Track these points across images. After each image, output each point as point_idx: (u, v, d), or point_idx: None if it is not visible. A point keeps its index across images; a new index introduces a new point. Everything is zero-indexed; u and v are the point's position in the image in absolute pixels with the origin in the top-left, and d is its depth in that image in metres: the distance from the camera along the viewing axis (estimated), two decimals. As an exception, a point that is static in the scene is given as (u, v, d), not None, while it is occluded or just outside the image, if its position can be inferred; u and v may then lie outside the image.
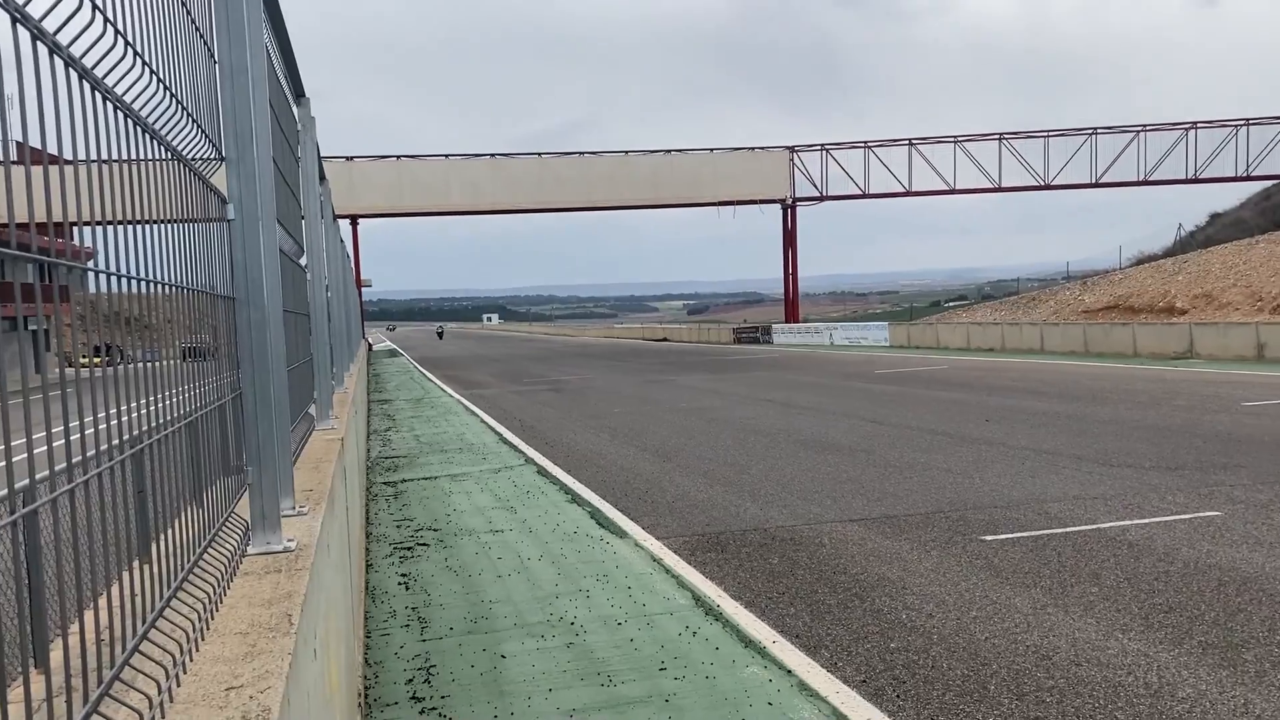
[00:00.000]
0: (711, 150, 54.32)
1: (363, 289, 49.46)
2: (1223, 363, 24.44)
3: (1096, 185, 53.25)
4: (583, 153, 53.57)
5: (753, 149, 54.40)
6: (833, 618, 6.05)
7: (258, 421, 2.65)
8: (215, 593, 2.03)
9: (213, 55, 2.49)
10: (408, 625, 6.15)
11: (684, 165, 53.74)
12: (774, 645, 5.49)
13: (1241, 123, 51.36)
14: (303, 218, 5.58)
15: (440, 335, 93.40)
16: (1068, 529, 7.93)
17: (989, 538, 7.77)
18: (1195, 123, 51.68)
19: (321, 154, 7.29)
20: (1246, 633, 5.45)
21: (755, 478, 10.90)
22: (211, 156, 2.45)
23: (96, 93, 1.39)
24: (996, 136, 52.96)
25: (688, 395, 21.79)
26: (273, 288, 2.74)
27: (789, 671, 5.08)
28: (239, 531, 2.52)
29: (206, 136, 2.33)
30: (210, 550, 2.15)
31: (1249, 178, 51.58)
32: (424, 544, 8.33)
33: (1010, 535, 7.82)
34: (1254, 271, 35.36)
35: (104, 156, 1.41)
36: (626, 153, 53.96)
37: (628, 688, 4.93)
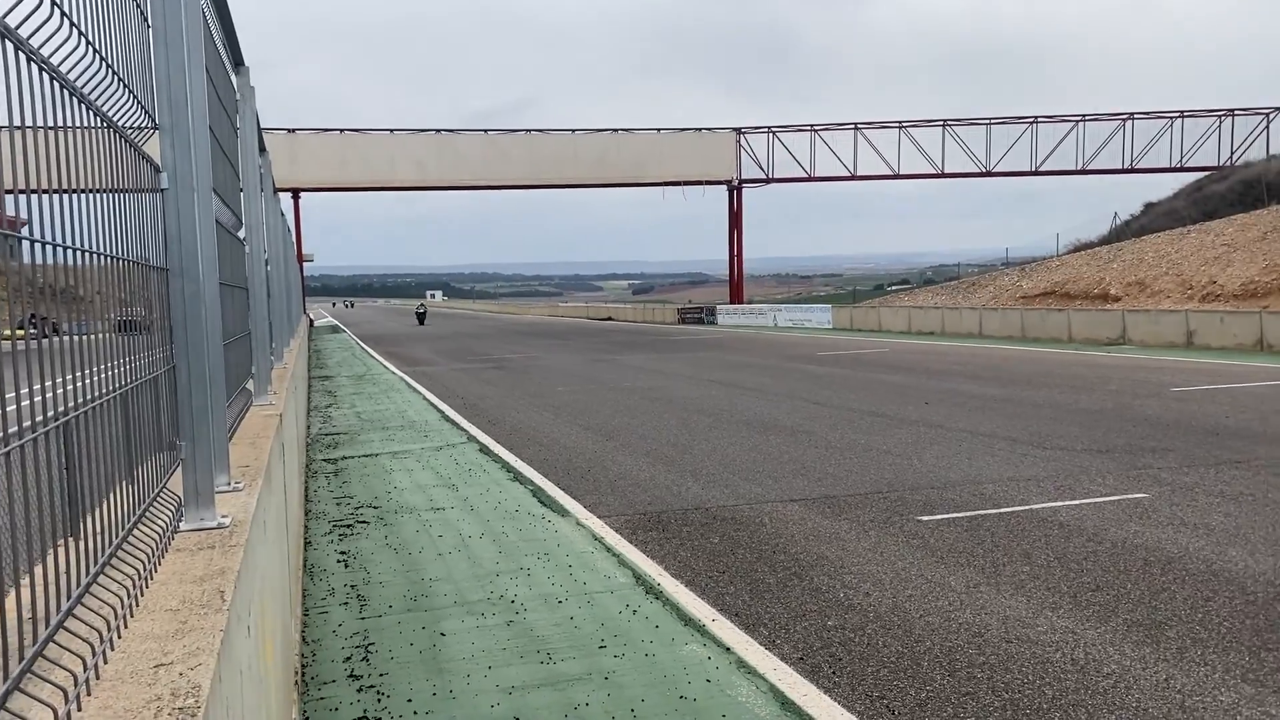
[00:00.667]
0: (659, 131, 54.26)
1: (304, 263, 48.72)
2: (1154, 349, 25.07)
3: (1036, 173, 54.20)
4: (530, 130, 53.22)
5: (699, 130, 54.43)
6: (772, 596, 6.12)
7: (191, 396, 2.60)
8: (145, 569, 2.00)
9: (146, 19, 2.43)
10: (346, 603, 6.10)
11: (631, 145, 53.60)
12: (713, 623, 5.54)
13: (1176, 115, 52.57)
14: (241, 190, 5.48)
15: (421, 318, 63.51)
16: (1001, 509, 8.10)
17: (925, 518, 7.91)
18: (1132, 114, 52.78)
19: (262, 125, 7.14)
20: (1169, 611, 5.62)
21: (698, 457, 10.96)
22: (145, 124, 2.38)
23: (20, 54, 1.35)
24: (940, 123, 53.61)
25: (632, 375, 21.82)
26: (208, 260, 2.69)
27: (728, 649, 5.13)
28: (171, 508, 2.47)
29: (139, 103, 2.27)
30: (141, 526, 2.11)
31: (1182, 169, 52.90)
32: (364, 521, 8.26)
33: (946, 515, 7.96)
34: (1185, 261, 36.28)
35: (29, 122, 1.37)
36: (574, 131, 53.70)
37: (567, 665, 4.95)
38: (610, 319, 65.27)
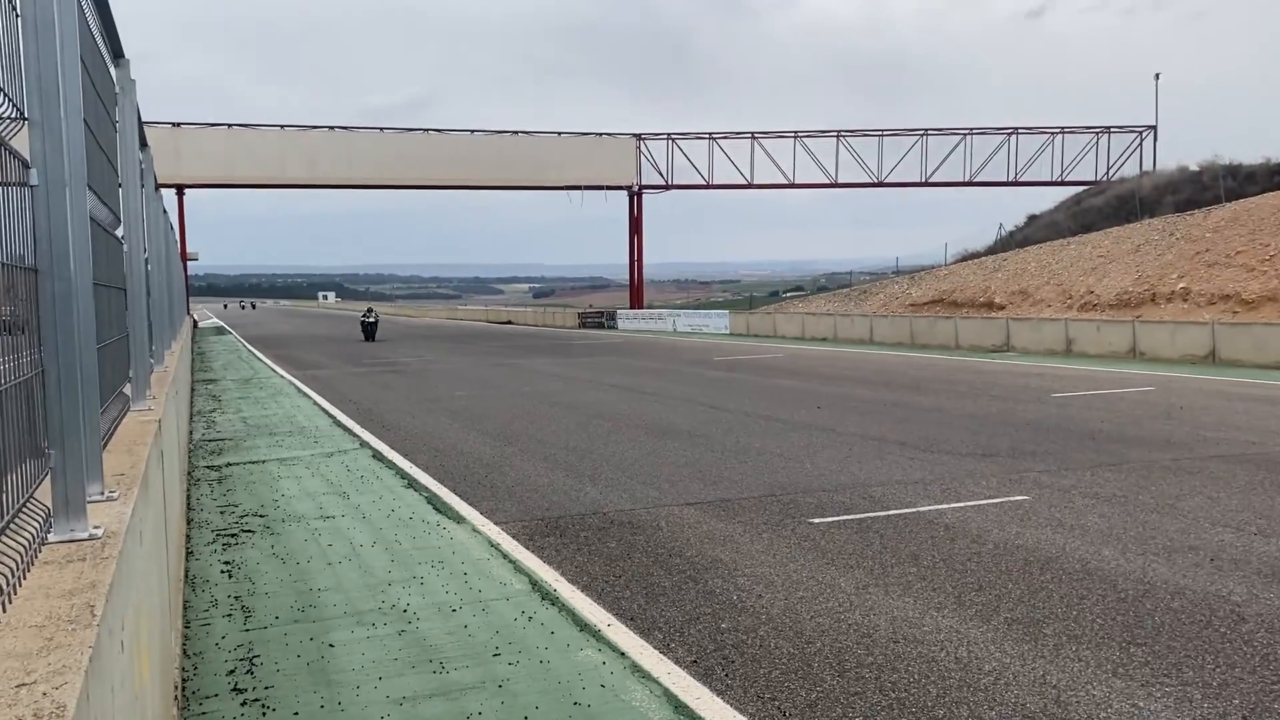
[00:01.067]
0: (559, 135, 54.21)
1: (189, 262, 47.14)
2: (1036, 356, 26.07)
3: (926, 184, 55.88)
4: (428, 130, 52.53)
5: (600, 135, 54.57)
6: (667, 600, 6.15)
7: (61, 401, 2.49)
8: (9, 584, 1.90)
9: (14, 7, 2.32)
10: (230, 615, 5.92)
11: (531, 148, 53.40)
12: (609, 628, 5.55)
13: (1057, 130, 54.85)
14: (120, 185, 5.27)
15: (370, 331, 41.88)
16: (889, 512, 8.31)
17: (816, 520, 8.06)
18: (1017, 128, 54.85)
19: (145, 119, 6.89)
20: (1047, 609, 5.84)
21: (596, 462, 10.96)
22: (12, 116, 2.27)
23: None
24: (834, 134, 54.84)
25: (531, 379, 21.71)
26: (81, 259, 2.58)
27: (622, 654, 5.14)
28: (40, 518, 2.36)
29: (6, 95, 2.17)
30: (4, 538, 2.01)
31: (1063, 182, 55.23)
32: (249, 530, 8.02)
33: (836, 518, 8.13)
34: (1065, 271, 37.83)
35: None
36: (473, 132, 53.24)
37: (460, 674, 4.89)
38: (510, 323, 64.84)
